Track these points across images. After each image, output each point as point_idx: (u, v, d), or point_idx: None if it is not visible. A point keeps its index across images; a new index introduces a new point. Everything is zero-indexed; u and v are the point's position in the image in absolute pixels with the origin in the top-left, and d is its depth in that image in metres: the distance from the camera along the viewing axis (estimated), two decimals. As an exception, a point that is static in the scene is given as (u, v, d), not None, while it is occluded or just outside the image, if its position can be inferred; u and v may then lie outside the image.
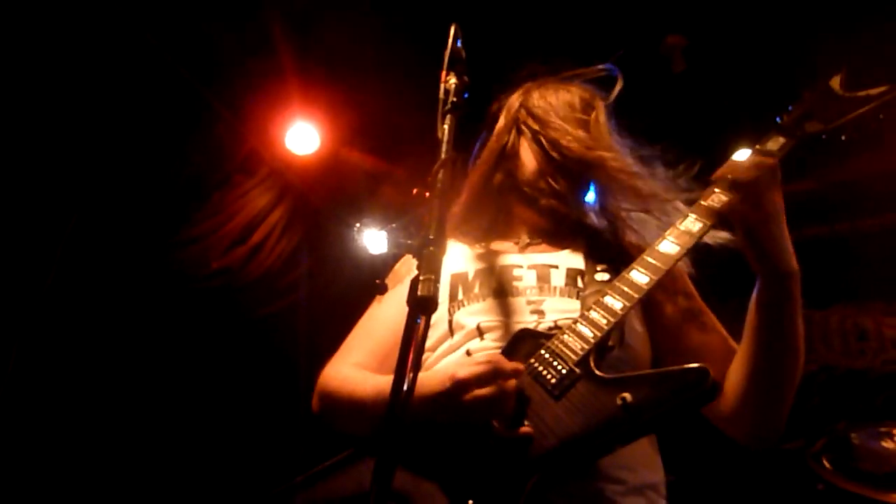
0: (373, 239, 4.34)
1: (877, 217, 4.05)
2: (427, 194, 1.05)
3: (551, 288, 1.46)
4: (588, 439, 1.16)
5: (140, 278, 3.59)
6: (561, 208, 1.54)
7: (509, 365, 1.24)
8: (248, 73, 3.52)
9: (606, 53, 3.18)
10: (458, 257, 1.61)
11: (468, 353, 1.41)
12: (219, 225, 3.73)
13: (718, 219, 1.30)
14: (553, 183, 1.55)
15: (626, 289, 1.28)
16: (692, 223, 1.32)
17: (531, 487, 1.15)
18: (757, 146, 1.37)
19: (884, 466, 2.31)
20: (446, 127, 1.22)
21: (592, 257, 1.50)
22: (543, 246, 1.59)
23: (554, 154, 1.55)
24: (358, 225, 4.37)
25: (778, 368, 1.27)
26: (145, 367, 3.61)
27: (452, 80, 1.32)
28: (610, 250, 1.51)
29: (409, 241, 0.98)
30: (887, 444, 2.29)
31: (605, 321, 1.26)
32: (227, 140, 3.72)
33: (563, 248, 1.57)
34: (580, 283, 1.45)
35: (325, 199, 4.16)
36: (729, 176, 1.31)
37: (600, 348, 1.25)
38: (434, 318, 1.41)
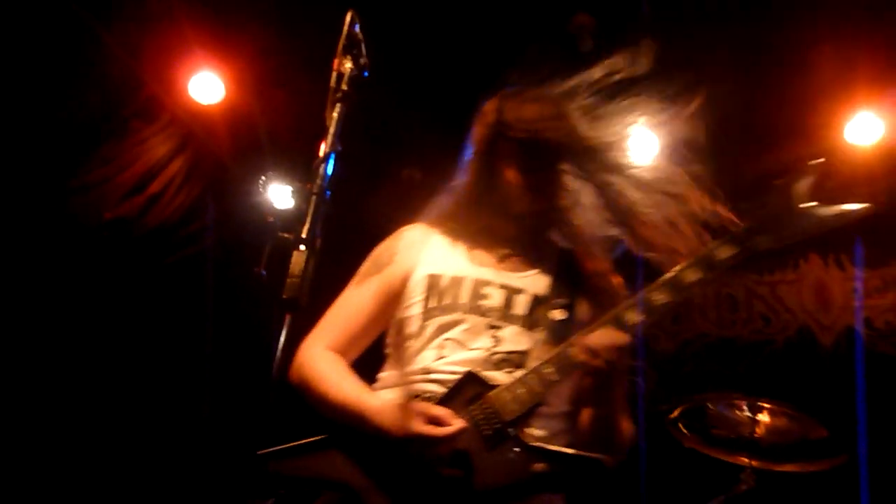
0: (278, 193, 4.29)
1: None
2: (310, 187, 1.07)
3: (513, 316, 1.61)
4: (505, 491, 1.42)
5: (31, 225, 3.43)
6: (537, 222, 1.64)
7: (456, 427, 1.44)
8: (148, 14, 3.35)
9: (516, 33, 3.25)
10: (438, 255, 1.69)
11: (427, 372, 1.58)
12: (114, 173, 3.59)
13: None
14: (532, 198, 1.64)
15: (564, 364, 1.48)
16: (630, 314, 1.51)
17: None
18: (709, 250, 1.49)
19: (734, 433, 2.58)
20: (335, 116, 1.22)
21: (558, 282, 1.63)
22: (518, 263, 1.68)
23: (532, 162, 1.63)
24: (263, 178, 4.29)
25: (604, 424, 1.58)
26: (43, 317, 3.49)
27: (348, 65, 1.30)
28: (575, 276, 1.64)
29: (286, 235, 1.00)
30: (738, 414, 2.56)
31: (539, 390, 1.47)
32: (125, 83, 3.55)
33: (535, 266, 1.67)
34: (538, 316, 1.59)
35: (229, 151, 4.06)
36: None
37: (532, 410, 1.47)
38: (406, 313, 1.64)
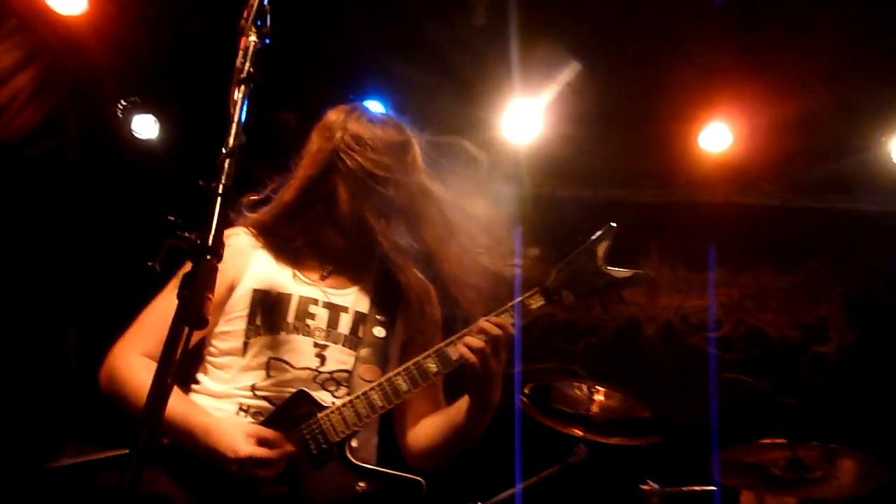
0: (143, 123, 3.98)
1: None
2: (213, 185, 1.02)
3: (337, 335, 1.64)
4: None
5: None
6: (363, 239, 1.64)
7: (285, 450, 1.46)
8: None
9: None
10: (264, 269, 1.66)
11: (254, 389, 1.58)
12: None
13: (474, 355, 1.53)
14: (362, 214, 1.65)
15: (389, 392, 1.54)
16: (452, 350, 1.57)
17: None
18: (520, 298, 1.62)
19: (572, 408, 2.85)
20: (237, 99, 1.13)
21: (378, 299, 1.67)
22: (342, 280, 1.70)
23: (369, 183, 1.62)
24: (125, 103, 3.96)
25: (455, 449, 1.69)
26: None
27: (252, 39, 1.22)
28: (394, 293, 1.69)
29: (185, 235, 0.96)
30: (577, 392, 2.83)
31: (366, 414, 1.53)
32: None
33: (357, 283, 1.70)
34: (360, 334, 1.63)
35: (90, 68, 3.69)
36: (486, 328, 1.55)
37: (356, 432, 1.53)
38: (230, 327, 1.60)
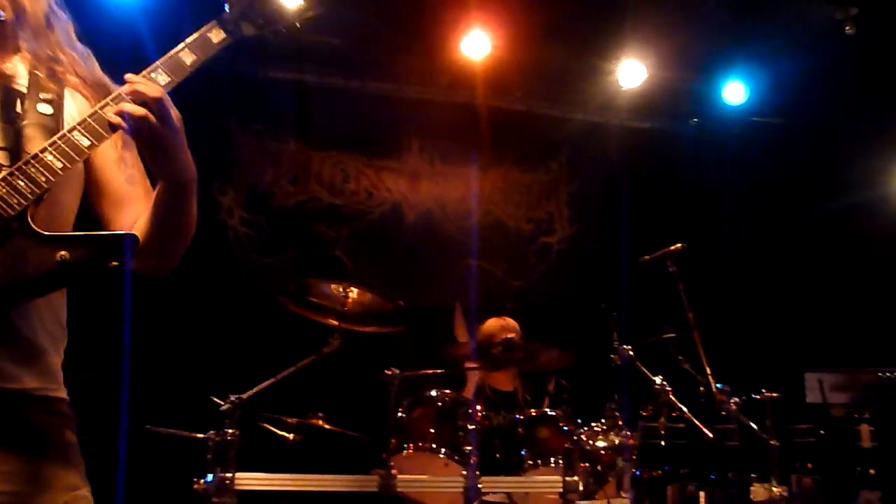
0: None
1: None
2: None
3: None
4: (17, 289, 1.32)
5: None
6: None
7: None
8: None
9: None
10: None
11: None
12: None
13: (128, 124, 1.37)
14: None
15: (67, 149, 1.37)
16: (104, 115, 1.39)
17: None
18: (193, 37, 1.46)
19: (329, 302, 3.08)
20: None
21: (34, 77, 1.49)
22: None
23: None
24: None
25: (165, 239, 1.52)
26: None
27: None
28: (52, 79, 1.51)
29: None
30: (334, 288, 3.05)
31: (44, 179, 1.35)
32: None
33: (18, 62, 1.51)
34: (19, 109, 1.46)
35: None
36: (136, 88, 1.38)
37: (38, 200, 1.35)
38: None
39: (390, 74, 4.80)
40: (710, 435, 2.86)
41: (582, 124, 5.28)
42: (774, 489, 2.32)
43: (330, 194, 4.82)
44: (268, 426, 3.26)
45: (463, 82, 4.78)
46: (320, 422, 3.21)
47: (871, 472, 1.60)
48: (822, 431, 3.77)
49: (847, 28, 4.28)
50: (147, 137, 1.38)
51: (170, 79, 1.45)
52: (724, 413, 2.97)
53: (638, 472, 1.67)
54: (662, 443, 1.59)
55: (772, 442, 2.87)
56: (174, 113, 1.39)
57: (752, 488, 2.35)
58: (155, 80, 1.43)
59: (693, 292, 4.39)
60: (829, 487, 1.77)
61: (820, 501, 1.72)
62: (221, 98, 4.40)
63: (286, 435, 3.23)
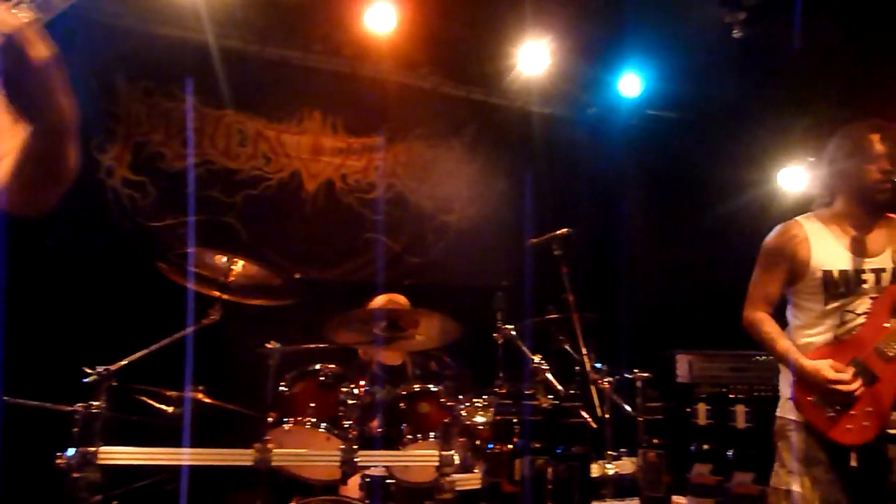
0: None
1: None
2: None
3: None
4: None
5: None
6: None
7: None
8: None
9: None
10: None
11: None
12: None
13: None
14: None
15: None
16: None
17: None
18: None
19: (209, 273, 3.00)
20: None
21: None
22: None
23: None
24: None
25: (42, 182, 1.42)
26: None
27: None
28: None
29: None
30: (217, 259, 2.97)
31: None
32: None
33: None
34: None
35: None
36: None
37: None
38: None
39: (292, 41, 4.66)
40: (587, 417, 3.02)
41: (485, 105, 5.33)
42: (629, 461, 2.48)
43: (225, 158, 4.64)
44: (146, 399, 3.16)
45: (368, 55, 4.72)
46: (201, 395, 3.13)
47: (705, 446, 1.75)
48: (688, 409, 4.08)
49: (735, 31, 4.51)
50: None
51: (36, 15, 1.29)
52: (597, 391, 3.13)
53: (490, 446, 1.75)
54: (515, 419, 1.67)
55: (639, 418, 3.11)
56: (40, 51, 1.26)
57: (600, 462, 2.50)
58: (15, 15, 1.27)
59: (588, 276, 4.59)
60: (672, 461, 1.92)
61: (662, 473, 1.86)
62: (108, 51, 4.14)
63: (165, 408, 3.14)
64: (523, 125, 5.39)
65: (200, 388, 3.13)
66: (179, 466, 2.61)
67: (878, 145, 2.37)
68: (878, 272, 2.39)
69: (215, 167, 4.60)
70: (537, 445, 1.65)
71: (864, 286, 2.38)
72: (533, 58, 4.70)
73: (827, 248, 2.44)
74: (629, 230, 5.82)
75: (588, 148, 5.57)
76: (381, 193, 5.03)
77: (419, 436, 2.87)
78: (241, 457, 2.51)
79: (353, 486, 2.95)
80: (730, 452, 1.67)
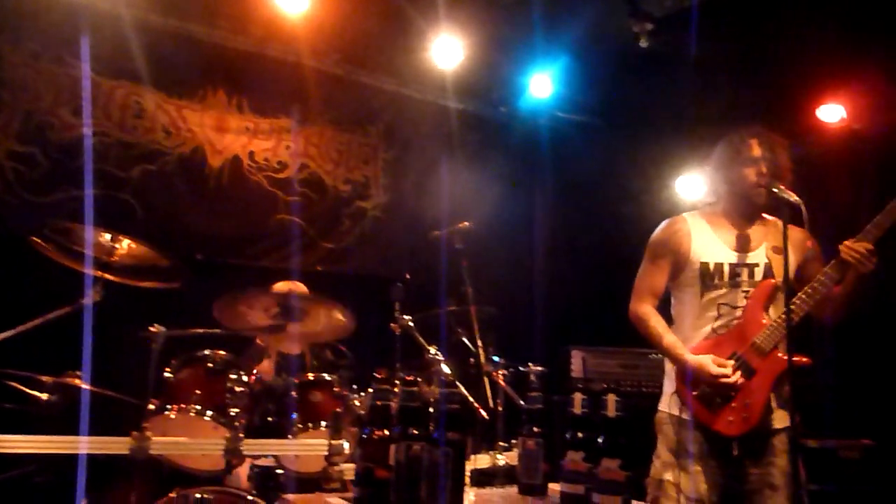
0: None
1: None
2: None
3: None
4: None
5: None
6: None
7: None
8: None
9: None
10: None
11: None
12: None
13: None
14: None
15: None
16: None
17: None
18: None
19: (95, 252, 2.84)
20: None
21: None
22: None
23: None
24: None
25: None
26: None
27: None
28: None
29: None
30: (101, 238, 2.81)
31: None
32: None
33: None
34: None
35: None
36: None
37: None
38: None
39: (197, 15, 4.46)
40: (480, 408, 3.05)
41: (398, 96, 5.30)
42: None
43: (120, 130, 4.37)
44: (17, 385, 2.96)
45: (278, 36, 4.59)
46: (78, 381, 2.96)
47: (580, 434, 1.81)
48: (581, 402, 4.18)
49: (641, 41, 4.67)
50: None
51: None
52: (490, 383, 3.18)
53: (367, 431, 1.74)
54: (392, 405, 1.67)
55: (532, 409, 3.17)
56: None
57: (491, 452, 2.55)
58: None
59: (492, 271, 4.65)
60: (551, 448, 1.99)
61: (539, 459, 1.92)
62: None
63: (39, 395, 2.95)
64: (437, 119, 5.39)
65: (78, 373, 2.97)
66: (50, 456, 2.46)
67: (756, 150, 2.51)
68: (751, 267, 2.53)
69: (109, 140, 4.33)
70: (415, 432, 1.65)
71: (739, 279, 2.52)
72: (446, 52, 4.71)
73: (706, 242, 2.57)
74: (536, 228, 5.94)
75: (499, 146, 5.64)
76: (294, 174, 4.87)
77: (310, 425, 2.83)
78: (116, 445, 2.39)
79: (243, 477, 2.87)
80: (600, 440, 1.73)
